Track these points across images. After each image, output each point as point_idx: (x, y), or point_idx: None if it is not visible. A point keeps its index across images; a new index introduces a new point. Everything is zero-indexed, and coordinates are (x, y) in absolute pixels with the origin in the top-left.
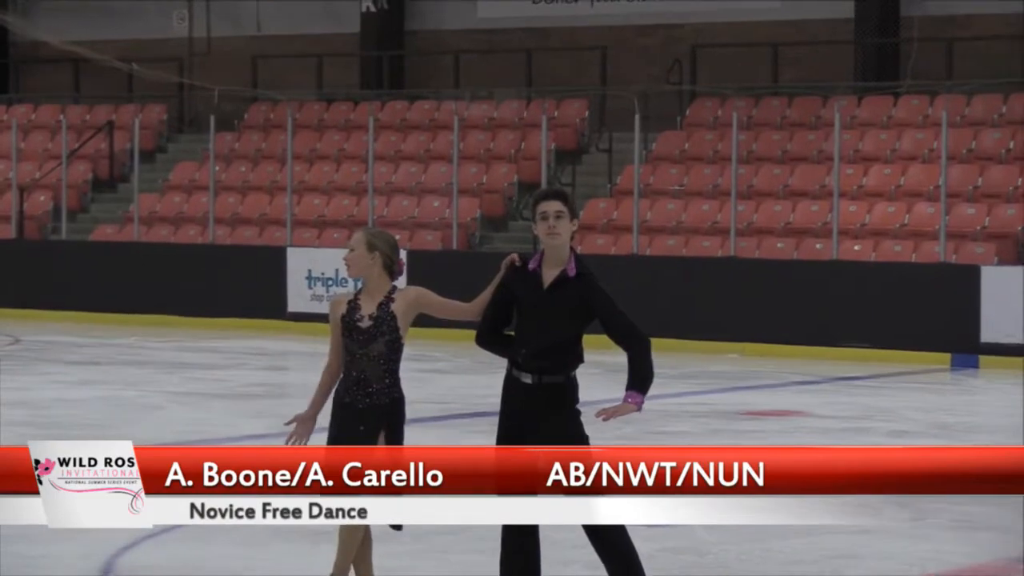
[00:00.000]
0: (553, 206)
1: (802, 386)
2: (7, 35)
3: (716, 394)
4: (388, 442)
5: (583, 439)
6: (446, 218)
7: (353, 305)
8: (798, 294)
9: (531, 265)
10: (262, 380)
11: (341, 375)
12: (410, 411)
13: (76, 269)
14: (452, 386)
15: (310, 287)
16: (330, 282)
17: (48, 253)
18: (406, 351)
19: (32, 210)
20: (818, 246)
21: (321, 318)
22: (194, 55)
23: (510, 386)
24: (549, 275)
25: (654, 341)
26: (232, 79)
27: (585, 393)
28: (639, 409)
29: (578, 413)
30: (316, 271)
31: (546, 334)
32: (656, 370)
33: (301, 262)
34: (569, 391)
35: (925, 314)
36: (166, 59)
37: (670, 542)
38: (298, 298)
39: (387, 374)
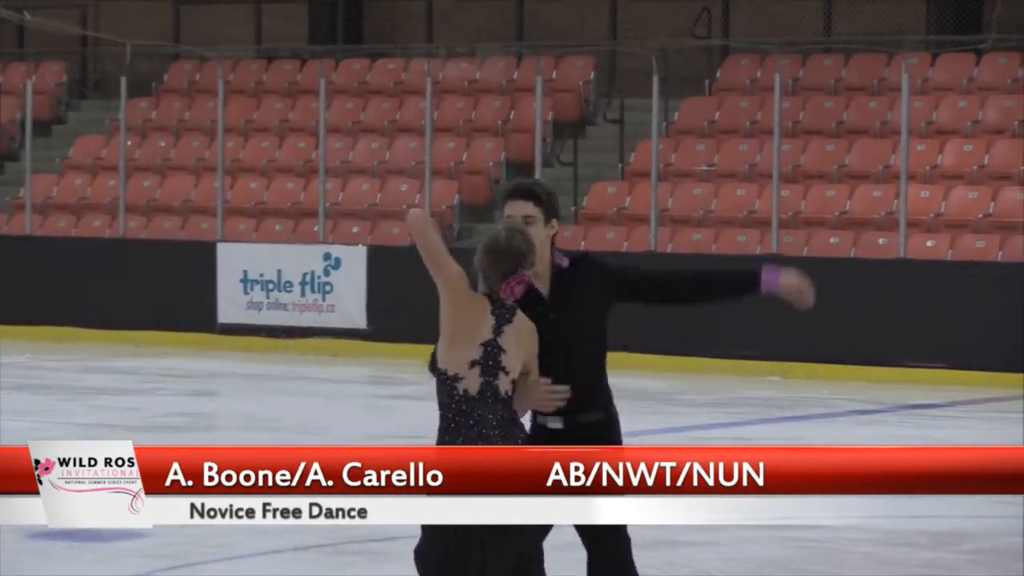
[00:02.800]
0: (522, 208)
1: (860, 416)
2: None
3: (752, 426)
4: None
5: None
6: (416, 204)
7: None
8: (855, 301)
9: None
10: (184, 408)
11: None
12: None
13: None
14: (419, 416)
15: (246, 292)
16: (270, 285)
17: None
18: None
19: None
20: (881, 241)
21: (259, 331)
22: (101, 1)
23: (537, 438)
24: (543, 288)
25: (677, 360)
26: (149, 32)
27: None
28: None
29: None
30: (253, 272)
31: (570, 358)
32: (681, 396)
33: (235, 260)
34: (613, 429)
35: (1011, 325)
36: (66, 7)
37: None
38: (231, 305)
39: None
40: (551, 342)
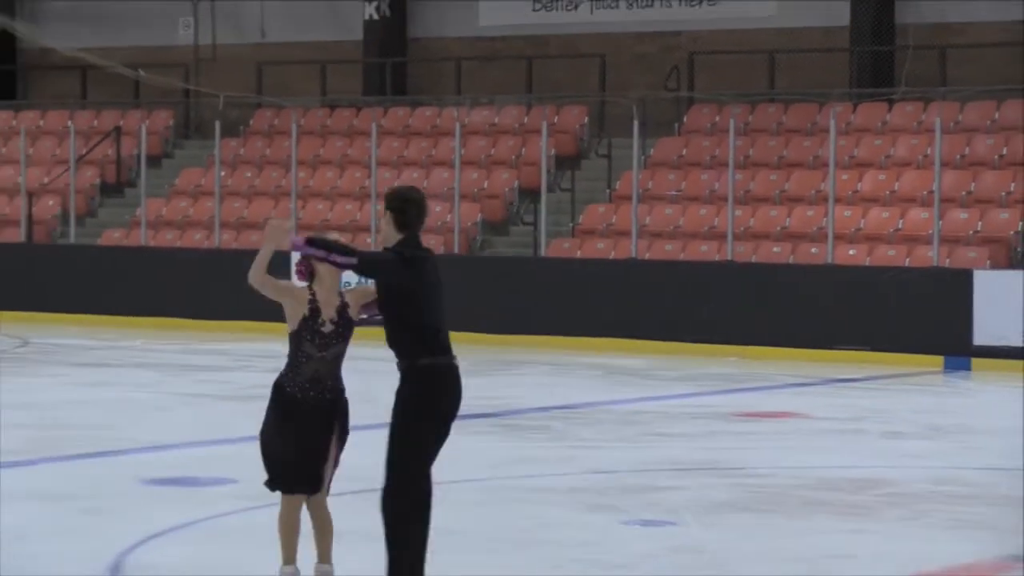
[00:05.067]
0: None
1: (799, 388)
2: (15, 42)
3: (714, 396)
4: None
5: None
6: (448, 223)
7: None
8: (794, 298)
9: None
10: (268, 382)
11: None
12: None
13: (84, 273)
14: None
15: None
16: None
17: (56, 257)
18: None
19: (41, 215)
20: (813, 250)
21: None
22: (200, 61)
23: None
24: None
25: (654, 344)
26: (237, 86)
27: (586, 395)
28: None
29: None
30: None
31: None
32: (656, 372)
33: None
34: None
35: (919, 317)
36: (172, 65)
37: (669, 541)
38: None
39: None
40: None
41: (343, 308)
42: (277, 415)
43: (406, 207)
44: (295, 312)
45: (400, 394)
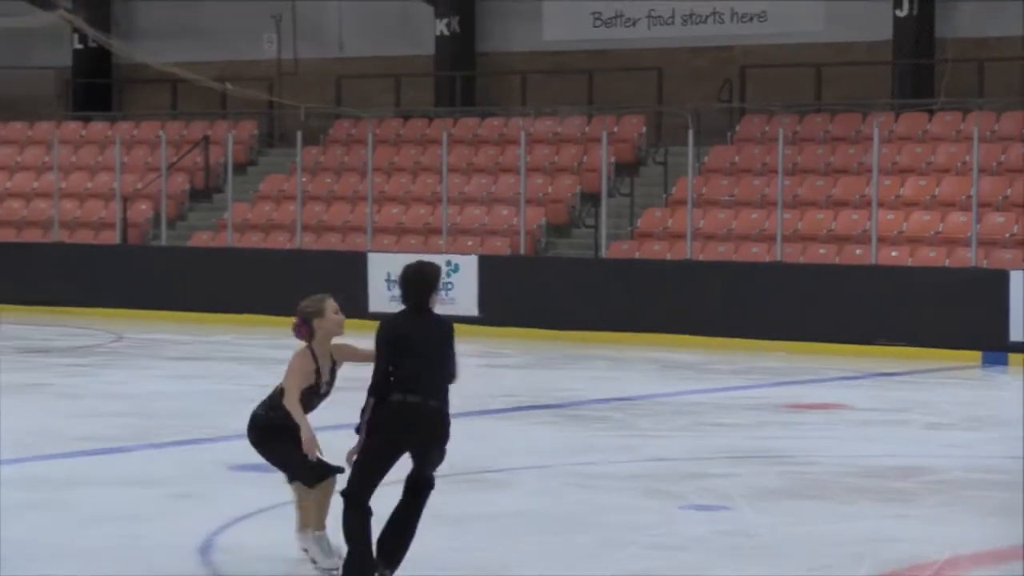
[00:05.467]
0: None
1: (844, 381)
2: (111, 57)
3: (764, 388)
4: None
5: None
6: (514, 225)
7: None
8: (840, 296)
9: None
10: (344, 374)
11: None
12: (480, 403)
13: (175, 272)
14: (522, 381)
15: (388, 289)
16: None
17: (149, 258)
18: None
19: (135, 218)
20: (858, 252)
21: None
22: (282, 75)
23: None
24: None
25: (708, 339)
26: (317, 98)
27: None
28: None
29: None
30: (395, 274)
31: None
32: (710, 366)
33: (381, 266)
34: None
35: (958, 315)
36: (257, 79)
37: (723, 524)
38: (378, 298)
39: None
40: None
41: (334, 368)
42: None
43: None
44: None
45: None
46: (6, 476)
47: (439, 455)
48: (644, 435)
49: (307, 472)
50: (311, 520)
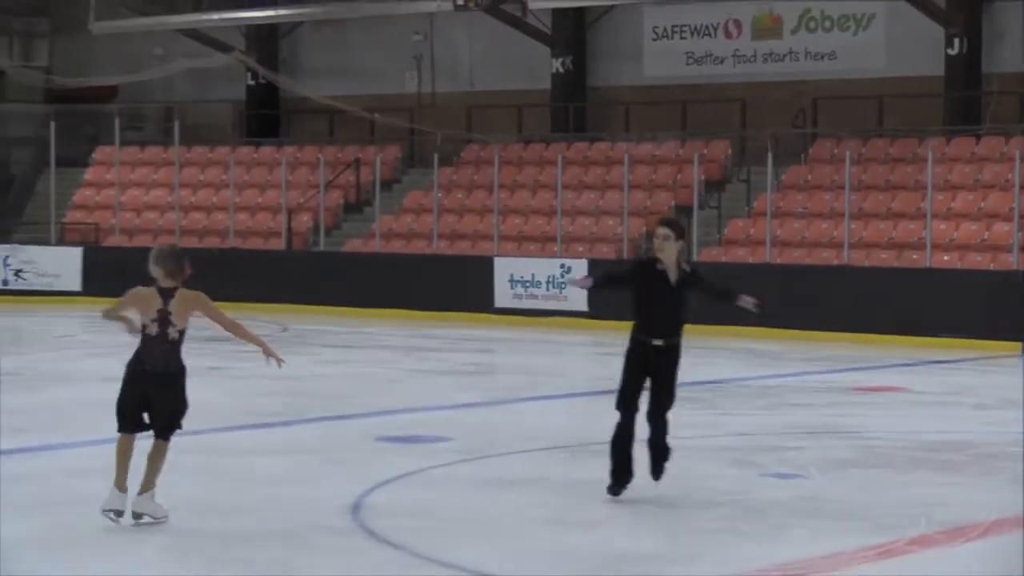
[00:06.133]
0: (664, 231)
1: (903, 368)
2: (278, 92)
3: (835, 374)
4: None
5: None
6: (618, 234)
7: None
8: (898, 295)
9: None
10: (476, 360)
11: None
12: (591, 386)
13: (331, 274)
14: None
15: (512, 288)
16: (527, 284)
17: (310, 261)
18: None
19: (297, 227)
20: (914, 256)
21: (521, 312)
22: (422, 106)
23: (641, 351)
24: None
25: (785, 332)
26: (451, 125)
27: (730, 372)
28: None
29: None
30: (517, 275)
31: (673, 306)
32: (787, 354)
33: (505, 268)
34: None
35: (1001, 312)
36: (400, 110)
37: (799, 491)
38: (503, 296)
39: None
40: (668, 299)
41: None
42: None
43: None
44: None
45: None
46: (189, 445)
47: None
48: (730, 413)
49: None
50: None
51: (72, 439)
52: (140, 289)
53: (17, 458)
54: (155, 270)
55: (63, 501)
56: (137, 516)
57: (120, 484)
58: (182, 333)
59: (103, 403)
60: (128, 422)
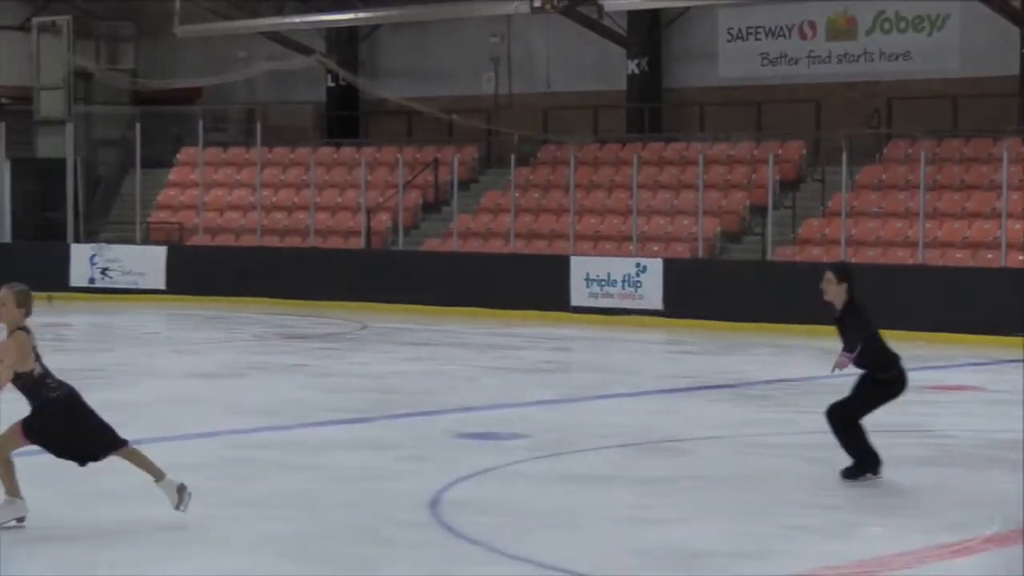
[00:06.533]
0: (828, 275)
1: (977, 367)
2: (358, 94)
3: (908, 372)
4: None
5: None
6: (694, 233)
7: None
8: (973, 294)
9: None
10: (552, 358)
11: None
12: (667, 383)
13: (409, 272)
14: (700, 364)
15: (587, 286)
16: (603, 283)
17: (389, 260)
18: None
19: (377, 227)
20: (989, 256)
21: (596, 311)
22: (499, 108)
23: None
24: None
25: None
26: (528, 126)
27: (804, 370)
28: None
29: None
30: (593, 274)
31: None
32: None
33: (581, 267)
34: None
35: None
36: (477, 111)
37: (875, 488)
38: (579, 295)
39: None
40: (843, 331)
41: None
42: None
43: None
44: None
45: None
46: (270, 440)
47: None
48: (802, 411)
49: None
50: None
51: (157, 434)
52: (23, 335)
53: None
54: (20, 311)
55: (148, 496)
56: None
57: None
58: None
59: (187, 399)
60: None
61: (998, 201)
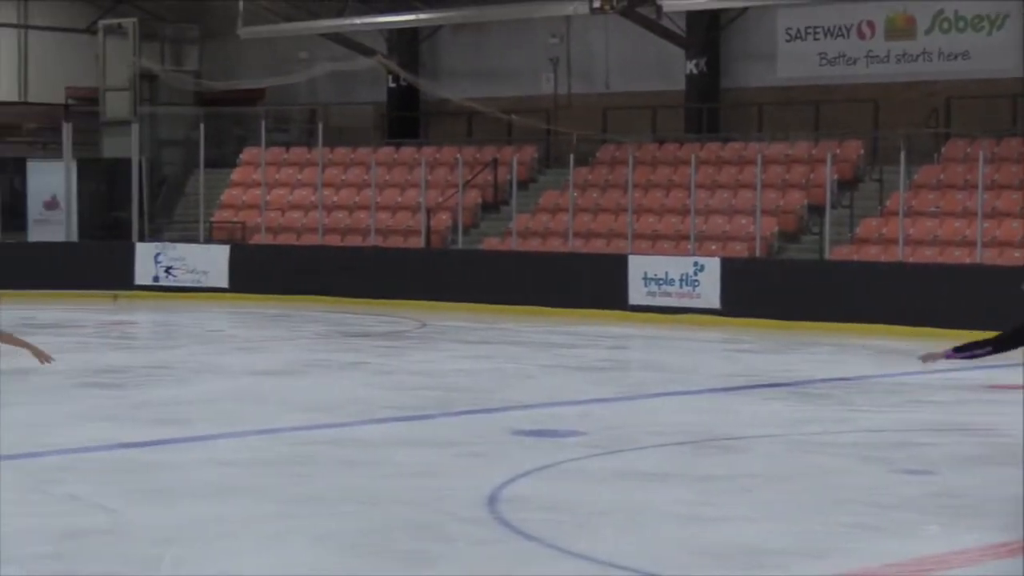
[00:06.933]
0: None
1: None
2: (418, 94)
3: (965, 371)
4: None
5: None
6: (751, 233)
7: None
8: None
9: None
10: (609, 357)
11: None
12: (724, 382)
13: (469, 271)
14: (757, 363)
15: (645, 285)
16: (661, 282)
17: (448, 259)
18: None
19: (437, 226)
20: None
21: (654, 309)
22: (558, 108)
23: None
24: None
25: (916, 329)
26: (587, 126)
27: (861, 369)
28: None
29: None
30: (651, 273)
31: None
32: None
33: (639, 266)
34: None
35: None
36: (536, 111)
37: (930, 487)
38: (637, 293)
39: None
40: None
41: None
42: None
43: None
44: None
45: None
46: (331, 437)
47: None
48: (860, 410)
49: None
50: None
51: (220, 431)
52: None
53: (168, 448)
54: None
55: (211, 492)
56: None
57: None
58: None
59: (250, 396)
60: None
61: None
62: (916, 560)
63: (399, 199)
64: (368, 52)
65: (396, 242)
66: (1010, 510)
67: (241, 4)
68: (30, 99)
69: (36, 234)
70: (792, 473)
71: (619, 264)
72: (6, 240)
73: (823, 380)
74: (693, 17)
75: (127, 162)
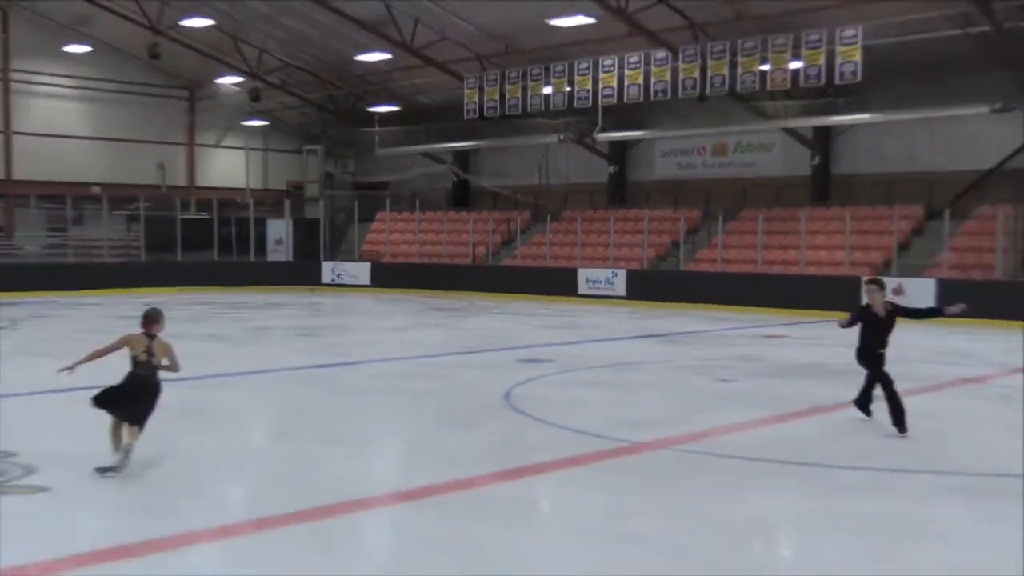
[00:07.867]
0: (873, 284)
1: None
2: (469, 183)
3: (751, 328)
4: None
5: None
6: (641, 255)
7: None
8: None
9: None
10: (568, 321)
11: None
12: (626, 333)
13: (496, 276)
14: (645, 324)
15: (587, 283)
16: (595, 282)
17: (484, 270)
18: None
19: (478, 253)
20: None
21: (593, 296)
22: (541, 191)
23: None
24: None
25: (728, 307)
26: (557, 201)
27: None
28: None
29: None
30: (590, 277)
31: (886, 334)
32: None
33: (584, 273)
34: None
35: None
36: (530, 192)
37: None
38: (583, 287)
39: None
40: (884, 329)
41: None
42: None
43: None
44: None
45: None
46: (423, 364)
47: None
48: (699, 348)
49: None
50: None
51: (368, 358)
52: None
53: (342, 368)
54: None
55: (367, 390)
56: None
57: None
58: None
59: (382, 341)
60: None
61: None
62: (725, 427)
63: (458, 239)
64: (442, 161)
65: (456, 261)
66: (771, 399)
67: (377, 137)
68: (269, 187)
69: (272, 257)
70: (663, 381)
71: (572, 273)
72: (258, 260)
73: (680, 333)
74: (613, 144)
75: (318, 220)
